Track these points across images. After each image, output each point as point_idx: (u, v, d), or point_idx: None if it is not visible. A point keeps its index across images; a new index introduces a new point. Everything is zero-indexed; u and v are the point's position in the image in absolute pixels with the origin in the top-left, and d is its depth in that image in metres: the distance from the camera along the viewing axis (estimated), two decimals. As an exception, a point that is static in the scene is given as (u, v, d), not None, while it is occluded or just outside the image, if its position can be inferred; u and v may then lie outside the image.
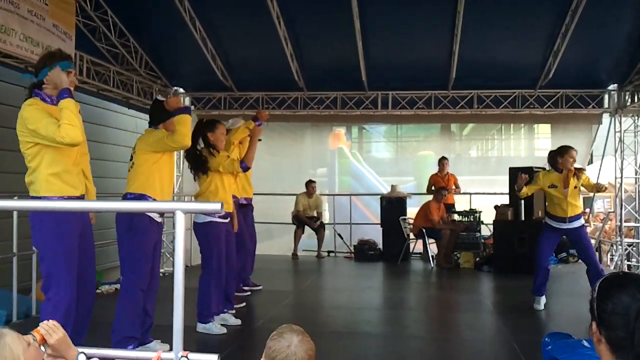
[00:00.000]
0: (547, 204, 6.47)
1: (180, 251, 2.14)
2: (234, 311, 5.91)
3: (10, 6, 6.31)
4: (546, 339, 2.51)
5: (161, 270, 7.85)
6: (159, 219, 4.37)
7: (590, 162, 13.48)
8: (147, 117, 9.17)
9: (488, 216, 9.97)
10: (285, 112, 10.81)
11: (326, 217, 12.46)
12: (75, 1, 7.66)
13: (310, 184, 10.79)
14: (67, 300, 3.60)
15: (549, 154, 6.50)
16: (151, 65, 9.76)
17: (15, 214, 5.49)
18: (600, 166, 11.21)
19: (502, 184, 9.86)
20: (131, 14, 8.61)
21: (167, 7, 8.13)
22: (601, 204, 17.29)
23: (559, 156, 6.26)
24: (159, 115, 4.64)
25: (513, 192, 9.25)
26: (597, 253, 11.40)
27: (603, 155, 11.18)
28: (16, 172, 7.86)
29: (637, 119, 10.15)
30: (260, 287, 7.31)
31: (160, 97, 4.72)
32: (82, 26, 8.05)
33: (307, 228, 10.91)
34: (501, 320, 6.03)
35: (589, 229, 12.26)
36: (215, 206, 2.19)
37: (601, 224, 12.29)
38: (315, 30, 9.00)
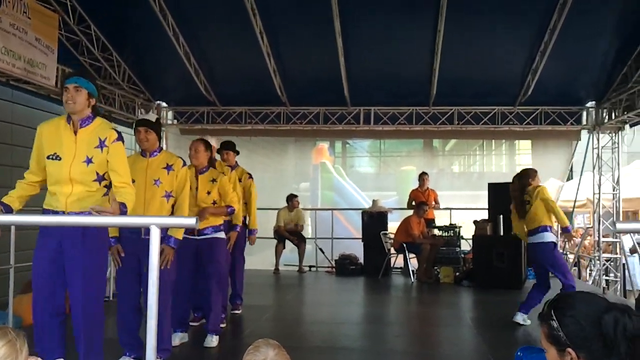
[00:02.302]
0: (545, 217, 6.19)
1: (155, 266, 2.15)
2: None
3: (-9, 20, 6.31)
4: (519, 353, 2.53)
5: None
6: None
7: (570, 178, 13.66)
8: (130, 131, 9.18)
9: (468, 231, 10.05)
10: (268, 127, 10.87)
11: (308, 232, 12.45)
12: (58, 15, 7.67)
13: (292, 198, 10.79)
14: (34, 318, 3.60)
15: (521, 178, 6.49)
16: (134, 80, 9.78)
17: (-7, 228, 5.44)
18: (579, 182, 11.38)
19: (485, 199, 9.94)
20: (114, 28, 8.64)
21: (150, 22, 8.17)
22: (581, 220, 17.47)
23: (532, 177, 6.38)
24: None
25: (492, 208, 9.37)
26: (575, 268, 11.56)
27: (582, 172, 11.36)
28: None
29: (614, 136, 10.33)
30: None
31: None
32: (64, 40, 8.06)
33: (288, 243, 10.90)
34: (480, 335, 6.07)
35: (568, 244, 12.42)
36: (191, 221, 2.21)
37: (580, 239, 12.44)
38: (297, 46, 9.08)
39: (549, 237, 6.15)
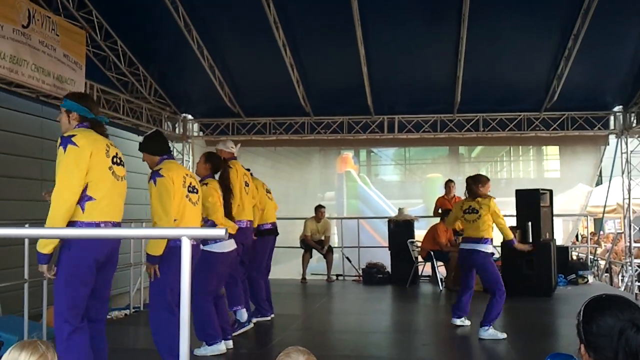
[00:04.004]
0: (491, 231, 6.38)
1: (187, 278, 2.18)
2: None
3: (22, 37, 6.46)
4: (548, 360, 2.51)
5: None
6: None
7: (599, 183, 13.47)
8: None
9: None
10: (292, 137, 10.92)
11: (334, 241, 12.44)
12: (85, 31, 7.83)
13: (319, 209, 10.80)
14: None
15: (481, 181, 6.47)
16: (160, 93, 9.92)
17: (26, 241, 5.55)
18: (609, 187, 11.22)
19: (512, 206, 9.84)
20: (140, 43, 8.79)
21: (175, 36, 8.30)
22: (612, 225, 17.20)
23: (482, 184, 6.40)
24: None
25: (520, 214, 9.27)
26: (607, 274, 11.37)
27: (611, 177, 11.19)
28: (25, 200, 8.00)
29: (644, 140, 10.17)
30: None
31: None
32: (92, 56, 8.22)
33: (315, 252, 10.91)
34: (509, 343, 6.00)
35: (599, 250, 12.24)
36: (220, 232, 2.24)
37: (611, 245, 12.24)
38: (320, 56, 9.14)
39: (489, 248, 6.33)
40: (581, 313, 1.78)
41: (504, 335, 6.04)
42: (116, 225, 3.68)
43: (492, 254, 6.44)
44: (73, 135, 3.51)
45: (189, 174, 4.61)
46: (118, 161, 3.72)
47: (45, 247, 3.47)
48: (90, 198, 3.52)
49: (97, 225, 3.54)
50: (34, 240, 5.70)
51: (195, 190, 4.54)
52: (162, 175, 4.31)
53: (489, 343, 6.15)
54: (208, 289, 5.31)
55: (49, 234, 3.35)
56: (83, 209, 3.51)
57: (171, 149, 10.67)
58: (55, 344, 3.48)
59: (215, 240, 5.15)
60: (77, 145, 3.47)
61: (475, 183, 6.41)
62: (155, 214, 4.25)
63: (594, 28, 7.59)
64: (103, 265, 3.64)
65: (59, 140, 3.52)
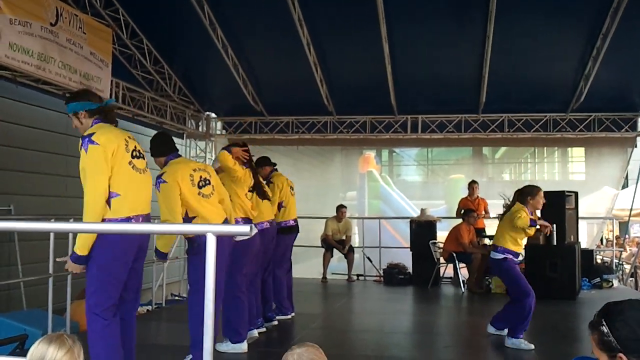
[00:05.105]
0: (507, 241, 5.91)
1: (212, 273, 2.18)
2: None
3: (49, 35, 6.55)
4: (573, 363, 2.49)
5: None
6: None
7: (625, 186, 13.26)
8: (180, 141, 9.34)
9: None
10: (315, 136, 10.92)
11: (355, 241, 12.40)
12: (112, 30, 7.91)
13: (340, 208, 10.77)
14: None
15: (530, 193, 5.99)
16: (184, 91, 9.98)
17: (52, 235, 5.62)
18: (635, 190, 11.04)
19: (536, 208, 9.73)
20: (165, 42, 8.86)
21: (200, 35, 8.35)
22: (637, 229, 16.94)
23: (530, 196, 5.94)
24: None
25: (545, 217, 9.15)
26: (632, 279, 11.20)
27: (638, 179, 11.01)
28: (51, 195, 8.11)
29: (672, 143, 10.00)
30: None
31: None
32: (118, 54, 8.30)
33: (336, 252, 10.88)
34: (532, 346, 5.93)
35: (624, 254, 12.05)
36: (245, 228, 2.24)
37: (637, 249, 12.05)
38: (344, 56, 9.13)
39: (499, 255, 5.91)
40: (604, 324, 1.71)
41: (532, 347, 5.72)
42: (145, 217, 3.66)
43: (505, 258, 5.89)
44: (92, 134, 3.47)
45: (198, 167, 4.61)
46: (137, 154, 3.67)
47: (85, 250, 3.45)
48: (115, 194, 3.49)
49: (127, 220, 3.52)
50: (59, 235, 5.78)
51: (207, 182, 4.55)
52: (165, 180, 4.34)
53: (512, 346, 6.09)
54: (240, 275, 5.33)
55: (76, 228, 3.38)
56: (110, 206, 3.49)
57: (187, 145, 10.79)
58: (88, 337, 3.49)
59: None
60: (97, 144, 3.43)
61: (524, 196, 5.93)
62: (164, 218, 4.26)
63: (623, 28, 7.48)
64: (133, 260, 3.64)
65: (80, 142, 3.47)
